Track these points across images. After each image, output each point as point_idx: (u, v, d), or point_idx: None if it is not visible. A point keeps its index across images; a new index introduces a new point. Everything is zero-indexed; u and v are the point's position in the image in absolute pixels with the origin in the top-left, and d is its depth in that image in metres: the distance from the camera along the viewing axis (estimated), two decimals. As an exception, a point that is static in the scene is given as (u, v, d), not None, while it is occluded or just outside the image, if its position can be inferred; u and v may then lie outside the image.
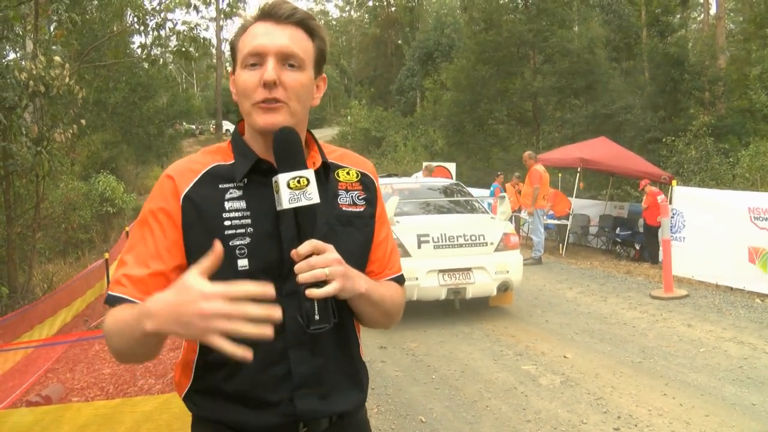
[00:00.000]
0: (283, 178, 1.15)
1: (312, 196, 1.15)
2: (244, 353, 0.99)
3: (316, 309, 1.14)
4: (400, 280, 1.43)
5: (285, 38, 1.21)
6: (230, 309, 0.98)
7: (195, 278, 1.02)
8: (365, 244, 1.35)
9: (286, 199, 1.14)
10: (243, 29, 1.26)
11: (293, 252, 1.13)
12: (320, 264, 1.12)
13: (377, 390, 4.74)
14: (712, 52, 20.52)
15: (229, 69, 1.33)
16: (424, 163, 12.82)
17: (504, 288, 6.71)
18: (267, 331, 0.98)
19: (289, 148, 1.19)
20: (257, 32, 1.22)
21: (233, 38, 1.28)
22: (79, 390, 4.96)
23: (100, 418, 3.24)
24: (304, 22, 1.25)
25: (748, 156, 14.15)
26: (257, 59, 1.21)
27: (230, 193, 1.24)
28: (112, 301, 1.20)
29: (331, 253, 1.15)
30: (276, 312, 0.99)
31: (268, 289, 1.00)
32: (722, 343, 5.71)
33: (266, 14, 1.23)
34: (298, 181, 1.15)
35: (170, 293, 1.04)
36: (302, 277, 1.11)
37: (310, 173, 1.16)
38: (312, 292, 1.12)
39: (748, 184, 12.82)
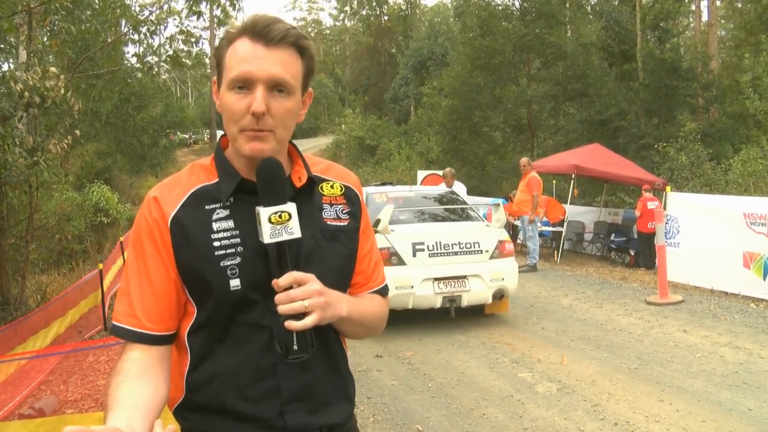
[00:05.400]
0: (264, 213, 1.14)
1: (293, 231, 1.15)
2: None
3: (295, 339, 1.15)
4: (383, 291, 1.45)
5: (275, 65, 1.17)
6: None
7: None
8: (350, 257, 1.35)
9: (267, 234, 1.13)
10: (229, 41, 1.21)
11: (273, 282, 1.13)
12: (300, 296, 1.12)
13: (373, 399, 4.73)
14: (704, 58, 20.67)
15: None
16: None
17: (499, 295, 6.71)
18: None
19: (271, 182, 1.17)
20: (246, 54, 1.17)
21: (219, 48, 1.23)
22: (73, 402, 4.91)
23: (95, 431, 3.21)
24: (296, 43, 1.20)
25: (740, 162, 14.21)
26: (245, 84, 1.17)
27: (217, 214, 1.23)
28: (124, 335, 1.23)
29: (311, 284, 1.15)
30: None
31: None
32: (718, 348, 5.72)
33: (256, 34, 1.17)
34: (280, 216, 1.14)
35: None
36: (281, 309, 1.12)
37: (291, 208, 1.16)
38: (291, 325, 1.12)
39: (741, 190, 12.85)
